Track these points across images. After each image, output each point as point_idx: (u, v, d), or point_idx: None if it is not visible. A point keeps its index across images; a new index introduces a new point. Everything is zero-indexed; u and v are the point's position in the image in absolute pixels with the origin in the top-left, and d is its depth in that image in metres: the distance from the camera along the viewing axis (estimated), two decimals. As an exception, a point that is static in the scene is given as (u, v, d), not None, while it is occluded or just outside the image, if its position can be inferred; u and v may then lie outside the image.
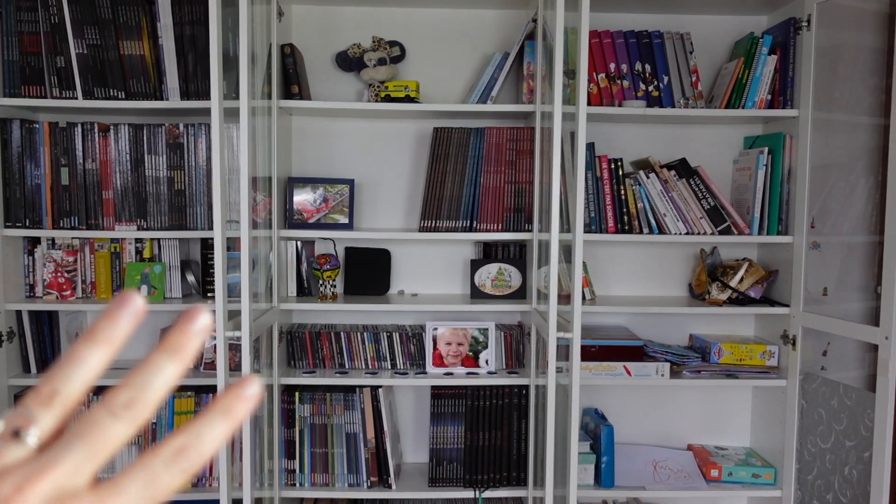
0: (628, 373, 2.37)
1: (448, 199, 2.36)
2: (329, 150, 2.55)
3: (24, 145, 2.28)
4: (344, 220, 2.40)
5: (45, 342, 2.37)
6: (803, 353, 2.31)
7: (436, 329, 2.43)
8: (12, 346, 2.34)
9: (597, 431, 2.44)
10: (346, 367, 2.45)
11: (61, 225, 2.31)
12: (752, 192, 2.39)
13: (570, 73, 2.16)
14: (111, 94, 2.27)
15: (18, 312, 2.34)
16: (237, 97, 1.93)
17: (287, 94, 2.32)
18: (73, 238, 2.39)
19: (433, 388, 2.41)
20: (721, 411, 2.67)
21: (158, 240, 2.42)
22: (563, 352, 2.00)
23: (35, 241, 2.38)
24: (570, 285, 1.95)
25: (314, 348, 2.44)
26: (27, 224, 2.30)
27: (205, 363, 2.40)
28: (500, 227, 2.36)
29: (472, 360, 2.44)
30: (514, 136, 2.36)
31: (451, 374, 2.41)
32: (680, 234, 2.36)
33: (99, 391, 2.36)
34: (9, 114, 2.30)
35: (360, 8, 2.51)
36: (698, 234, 2.36)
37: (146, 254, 2.41)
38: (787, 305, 2.36)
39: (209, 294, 2.40)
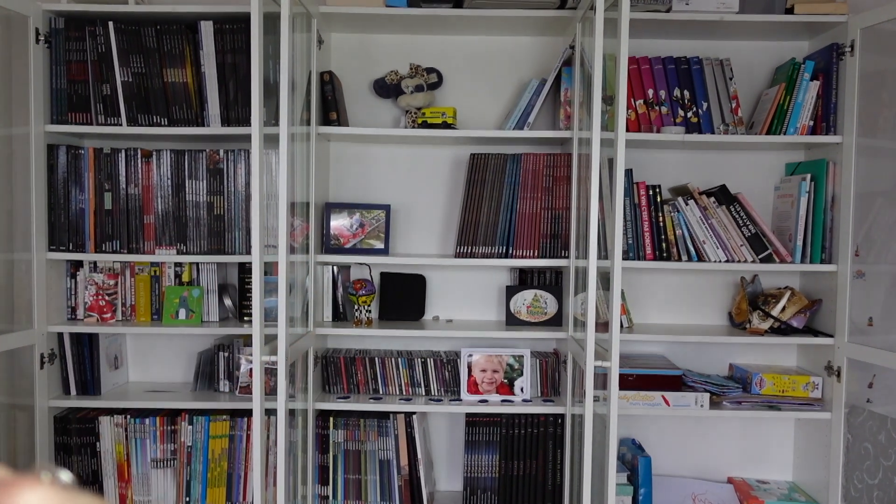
0: (667, 403, 2.33)
1: (484, 225, 2.35)
2: (366, 175, 2.57)
3: (69, 171, 2.34)
4: (380, 245, 2.41)
5: (84, 364, 2.40)
6: (848, 385, 2.25)
7: (471, 356, 2.41)
8: (53, 368, 2.37)
9: (634, 462, 2.39)
10: (381, 392, 2.45)
11: (103, 249, 2.35)
12: (795, 220, 2.35)
13: (609, 100, 2.15)
14: (154, 120, 2.31)
15: (60, 335, 2.38)
16: (277, 123, 1.95)
17: (325, 121, 2.35)
18: (114, 262, 2.43)
19: (468, 415, 2.39)
20: (762, 444, 2.61)
21: (197, 264, 2.45)
22: (601, 380, 1.97)
23: (78, 265, 2.43)
24: (609, 313, 1.93)
25: (349, 373, 2.44)
26: (70, 248, 2.34)
27: (240, 387, 2.41)
28: (536, 254, 2.35)
29: (507, 387, 2.41)
30: (551, 162, 2.35)
31: (485, 401, 2.39)
32: (720, 261, 2.33)
33: (140, 413, 2.38)
34: (56, 140, 2.35)
35: (398, 36, 2.54)
36: (739, 261, 2.32)
37: (185, 277, 2.44)
38: (832, 336, 2.30)
39: (246, 318, 2.41)
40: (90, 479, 2.38)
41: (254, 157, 1.88)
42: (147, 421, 2.38)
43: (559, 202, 2.35)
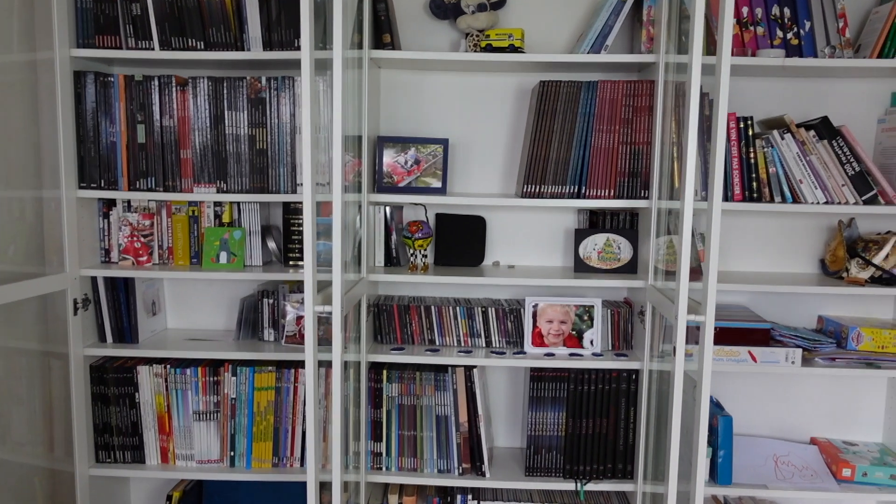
0: (753, 359, 2.12)
1: (553, 162, 2.12)
2: (421, 106, 2.33)
3: (98, 100, 2.13)
4: (437, 183, 2.19)
5: (120, 310, 2.24)
6: (961, 342, 2.02)
7: (535, 305, 2.21)
8: (88, 314, 2.21)
9: (713, 422, 2.19)
10: (437, 343, 2.26)
11: (137, 186, 2.15)
12: (906, 157, 2.09)
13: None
14: (189, 44, 2.09)
15: (94, 279, 2.22)
16: (325, 47, 1.72)
17: (378, 44, 2.10)
18: (149, 200, 2.24)
19: (532, 369, 2.20)
20: (851, 402, 2.39)
21: (238, 203, 2.25)
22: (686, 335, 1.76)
23: (110, 204, 2.24)
24: (706, 258, 1.70)
25: (402, 323, 2.26)
26: (102, 185, 2.15)
27: (286, 336, 2.24)
28: (612, 194, 2.11)
29: (575, 339, 2.22)
30: (631, 90, 2.10)
31: (552, 354, 2.19)
32: (818, 203, 2.08)
33: (180, 363, 2.23)
34: (83, 66, 2.14)
35: (457, -52, 2.26)
36: (839, 203, 2.07)
37: (225, 218, 2.25)
38: (943, 287, 2.06)
39: (291, 262, 2.23)
40: (129, 432, 2.24)
41: (304, 83, 1.65)
42: (188, 371, 2.22)
43: (639, 136, 2.10)
